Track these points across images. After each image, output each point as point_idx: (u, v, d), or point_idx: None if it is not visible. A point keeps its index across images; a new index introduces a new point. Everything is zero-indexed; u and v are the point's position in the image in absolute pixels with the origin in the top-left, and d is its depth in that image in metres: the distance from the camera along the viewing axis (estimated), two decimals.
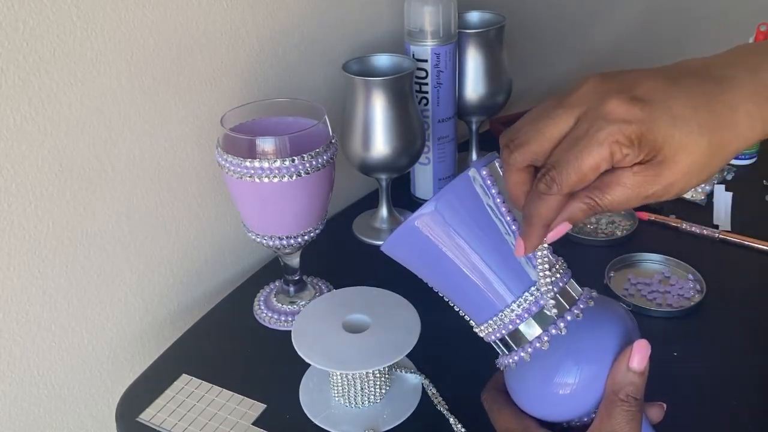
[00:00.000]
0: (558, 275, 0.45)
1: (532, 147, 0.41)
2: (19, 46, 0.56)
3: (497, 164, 0.44)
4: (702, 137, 0.39)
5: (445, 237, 0.43)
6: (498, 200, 0.44)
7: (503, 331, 0.45)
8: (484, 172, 0.44)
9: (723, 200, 0.89)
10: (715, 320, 0.69)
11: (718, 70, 0.41)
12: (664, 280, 0.74)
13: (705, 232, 0.81)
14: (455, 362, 0.64)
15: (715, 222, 0.85)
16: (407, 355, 0.56)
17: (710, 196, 0.90)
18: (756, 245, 0.79)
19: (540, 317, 0.44)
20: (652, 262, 0.77)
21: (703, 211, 0.87)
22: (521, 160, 0.41)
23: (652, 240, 0.81)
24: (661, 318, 0.69)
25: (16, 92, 0.57)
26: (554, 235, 0.42)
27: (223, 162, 0.63)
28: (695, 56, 0.44)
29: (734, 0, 1.32)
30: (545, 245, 0.43)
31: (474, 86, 0.91)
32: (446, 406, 0.60)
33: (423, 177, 0.89)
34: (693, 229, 0.82)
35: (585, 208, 0.41)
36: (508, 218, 0.44)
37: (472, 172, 0.43)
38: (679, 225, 0.83)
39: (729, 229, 0.82)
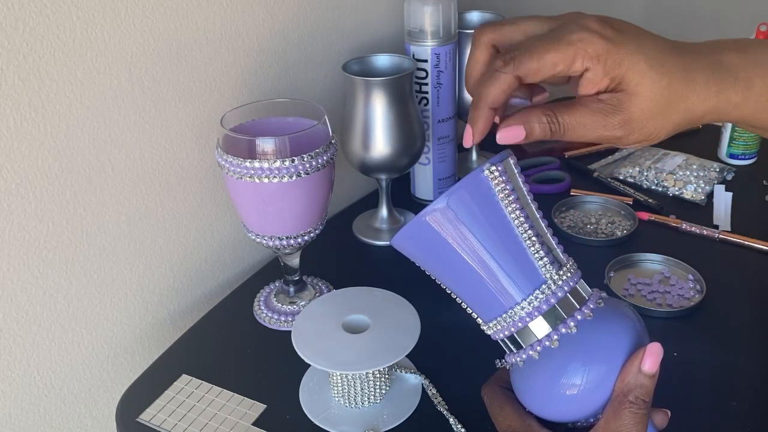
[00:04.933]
0: (569, 275, 0.45)
1: (505, 31, 0.46)
2: (19, 46, 0.56)
3: (511, 161, 0.44)
4: (663, 76, 0.42)
5: (456, 233, 0.43)
6: (512, 197, 0.44)
7: (512, 329, 0.44)
8: (499, 169, 0.43)
9: (723, 200, 0.89)
10: (715, 320, 0.69)
11: (685, 45, 0.45)
12: (664, 280, 0.74)
13: (705, 232, 0.81)
14: (455, 362, 0.64)
15: (715, 222, 0.85)
16: (407, 355, 0.56)
17: (710, 196, 0.90)
18: (756, 245, 0.79)
19: (550, 316, 0.44)
20: (652, 262, 0.77)
21: (703, 211, 0.87)
22: (491, 36, 0.46)
23: (652, 240, 0.81)
24: (661, 318, 0.69)
25: (16, 92, 0.57)
26: (505, 134, 0.44)
27: (223, 162, 0.63)
28: None
29: (734, 0, 1.32)
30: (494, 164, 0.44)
31: None
32: (446, 406, 0.60)
33: (423, 177, 0.89)
34: (693, 229, 0.82)
35: (544, 121, 0.44)
36: (521, 215, 0.44)
37: (486, 167, 0.43)
38: (679, 225, 0.83)
39: (729, 229, 0.82)
